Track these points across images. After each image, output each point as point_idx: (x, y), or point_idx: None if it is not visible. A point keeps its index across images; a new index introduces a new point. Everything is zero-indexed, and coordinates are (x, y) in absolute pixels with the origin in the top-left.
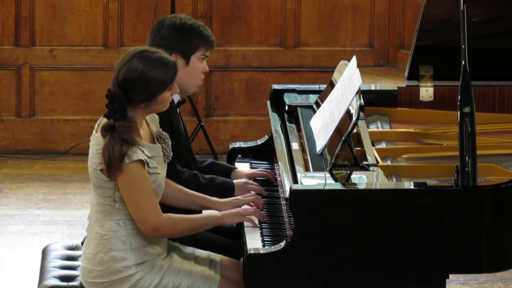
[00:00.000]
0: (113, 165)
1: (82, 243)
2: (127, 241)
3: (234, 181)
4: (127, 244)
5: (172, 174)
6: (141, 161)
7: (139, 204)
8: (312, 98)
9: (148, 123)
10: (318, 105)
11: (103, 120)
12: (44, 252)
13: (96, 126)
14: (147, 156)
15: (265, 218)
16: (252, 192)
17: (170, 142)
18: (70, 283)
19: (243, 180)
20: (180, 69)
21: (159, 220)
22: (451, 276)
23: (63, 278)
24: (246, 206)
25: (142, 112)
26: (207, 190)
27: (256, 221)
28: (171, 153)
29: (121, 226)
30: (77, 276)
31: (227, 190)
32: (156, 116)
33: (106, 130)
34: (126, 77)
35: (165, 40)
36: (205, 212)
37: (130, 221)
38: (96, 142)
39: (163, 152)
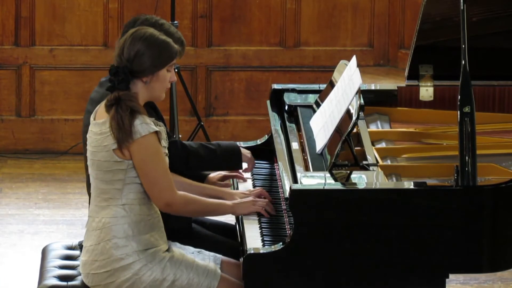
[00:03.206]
0: (124, 134)
1: (80, 245)
2: (129, 228)
3: (242, 150)
4: (129, 231)
5: (177, 147)
6: (156, 133)
7: (154, 179)
8: (312, 98)
9: None
10: (318, 105)
11: (100, 107)
12: (44, 252)
13: (92, 117)
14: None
15: (274, 210)
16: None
17: (166, 130)
18: (70, 283)
19: (249, 152)
20: None
21: (173, 196)
22: (451, 276)
23: (62, 278)
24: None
25: (143, 88)
26: (217, 156)
27: (265, 213)
28: (168, 140)
29: (127, 211)
30: (77, 276)
31: (234, 153)
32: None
33: (112, 102)
34: (130, 50)
35: None
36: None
37: (135, 206)
38: (100, 128)
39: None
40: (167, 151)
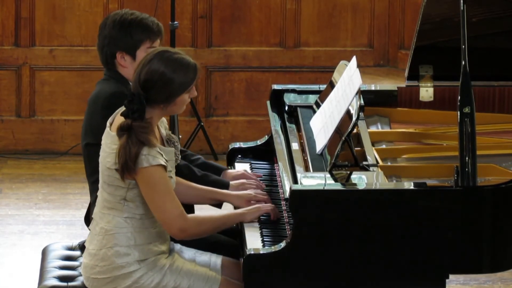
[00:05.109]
0: (128, 166)
1: (80, 246)
2: (131, 237)
3: (231, 182)
4: (132, 240)
5: None
6: (162, 165)
7: (164, 208)
8: (312, 98)
9: (159, 126)
10: (318, 105)
11: (118, 119)
12: (44, 252)
13: (108, 123)
14: (165, 160)
15: (279, 215)
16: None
17: (179, 146)
18: (70, 283)
19: (241, 181)
20: (128, 65)
21: (185, 221)
22: (451, 276)
23: (63, 278)
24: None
25: (159, 113)
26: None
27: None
28: (180, 157)
29: (128, 223)
30: (77, 276)
31: (221, 188)
32: (164, 119)
33: (123, 130)
34: (148, 77)
35: (108, 39)
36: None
37: (137, 220)
38: (111, 141)
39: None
40: (172, 175)
